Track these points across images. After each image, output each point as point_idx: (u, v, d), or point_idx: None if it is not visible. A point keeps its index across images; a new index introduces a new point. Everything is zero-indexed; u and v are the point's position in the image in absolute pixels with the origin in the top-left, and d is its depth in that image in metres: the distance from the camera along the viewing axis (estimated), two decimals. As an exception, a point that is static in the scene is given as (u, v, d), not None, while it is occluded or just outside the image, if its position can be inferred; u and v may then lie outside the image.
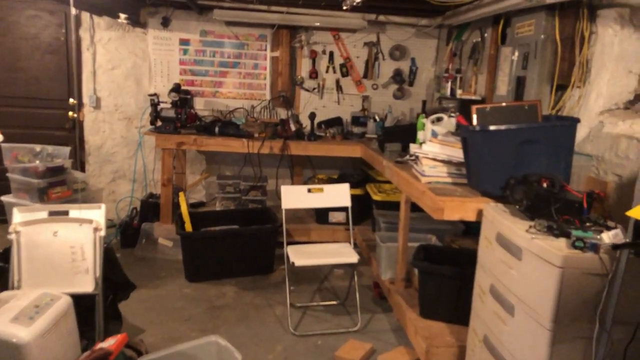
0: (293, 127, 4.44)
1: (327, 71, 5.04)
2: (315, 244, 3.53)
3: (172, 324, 3.29)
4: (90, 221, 2.56)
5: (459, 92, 4.02)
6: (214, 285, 3.90)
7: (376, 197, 4.18)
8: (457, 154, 2.71)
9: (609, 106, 2.79)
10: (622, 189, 2.56)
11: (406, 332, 3.02)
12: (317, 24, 4.63)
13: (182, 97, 4.40)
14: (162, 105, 4.35)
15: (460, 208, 2.46)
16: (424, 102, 4.85)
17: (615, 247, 1.68)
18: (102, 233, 2.62)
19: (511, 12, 3.29)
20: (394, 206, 4.05)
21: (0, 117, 4.71)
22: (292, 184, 5.17)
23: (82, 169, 4.92)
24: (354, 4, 3.03)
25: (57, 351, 2.23)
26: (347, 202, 3.52)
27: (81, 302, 2.49)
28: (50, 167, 3.84)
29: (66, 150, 4.11)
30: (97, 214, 2.63)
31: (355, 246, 3.57)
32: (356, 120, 4.98)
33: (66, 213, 2.60)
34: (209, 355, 2.39)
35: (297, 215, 4.73)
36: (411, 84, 5.14)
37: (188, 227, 4.00)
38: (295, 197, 3.49)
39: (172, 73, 4.92)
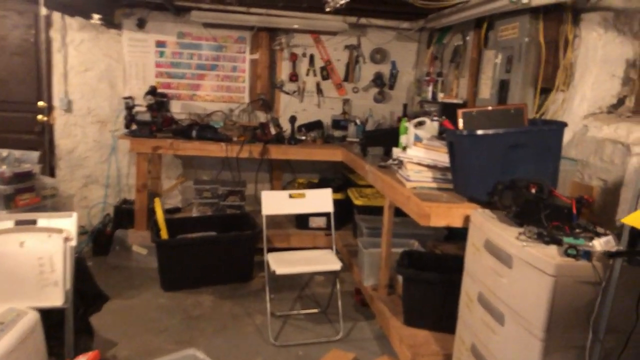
0: (273, 131, 4.35)
1: (307, 74, 4.96)
2: (296, 251, 3.44)
3: (147, 336, 3.15)
4: (60, 231, 2.42)
5: (440, 95, 3.98)
6: (190, 294, 3.77)
7: (358, 201, 4.11)
8: (443, 158, 2.65)
9: (593, 110, 2.77)
10: (607, 194, 2.53)
11: (390, 341, 2.95)
12: (298, 26, 4.55)
13: (158, 100, 4.27)
14: (137, 109, 4.21)
15: (446, 214, 2.40)
16: (405, 106, 4.81)
17: (611, 255, 1.63)
18: (73, 243, 2.48)
19: (494, 16, 3.26)
20: (376, 211, 4.00)
21: (-34, 120, 4.51)
22: (272, 188, 5.07)
23: (52, 174, 4.73)
24: (338, 5, 2.95)
25: (23, 369, 2.09)
26: (329, 208, 3.44)
27: (50, 317, 2.35)
28: (18, 172, 3.66)
29: (35, 154, 3.93)
30: (68, 223, 2.49)
31: (337, 252, 3.48)
32: (337, 124, 4.91)
33: (34, 222, 2.45)
34: (187, 370, 2.27)
35: (276, 221, 4.62)
36: (392, 87, 5.09)
37: (164, 234, 3.86)
38: (276, 202, 3.39)
39: (147, 75, 4.78)
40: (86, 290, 2.83)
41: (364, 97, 5.10)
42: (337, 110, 5.04)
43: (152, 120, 4.16)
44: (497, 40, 3.26)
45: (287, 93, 4.98)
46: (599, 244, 1.80)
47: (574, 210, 2.05)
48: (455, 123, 3.58)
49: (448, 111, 3.77)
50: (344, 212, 4.38)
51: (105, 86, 4.72)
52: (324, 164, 4.99)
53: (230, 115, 4.94)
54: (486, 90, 3.36)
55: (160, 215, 3.85)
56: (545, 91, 3.01)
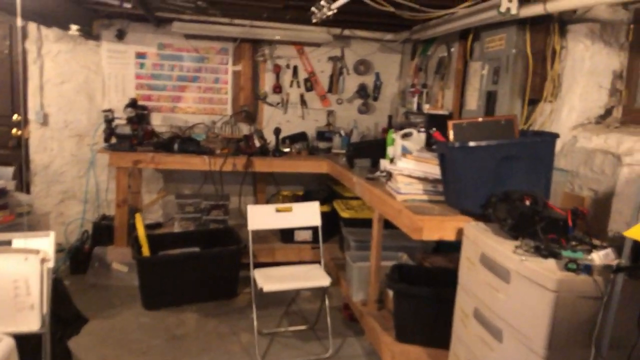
0: (257, 143, 4.27)
1: (291, 85, 4.91)
2: (283, 267, 3.35)
3: (128, 358, 3.03)
4: (37, 251, 2.29)
5: (426, 106, 3.96)
6: (173, 312, 3.65)
7: (344, 214, 4.04)
8: (433, 170, 2.61)
9: (581, 121, 2.76)
10: (598, 204, 2.51)
11: (381, 357, 2.87)
12: (281, 37, 4.50)
13: (139, 113, 4.17)
14: (117, 122, 4.09)
15: (439, 227, 2.35)
16: (390, 117, 4.78)
17: (616, 270, 1.59)
18: (51, 264, 2.35)
19: (480, 27, 3.25)
20: (363, 223, 3.94)
21: (-64, 135, 4.33)
22: (256, 201, 4.98)
23: (27, 191, 4.57)
24: (325, 17, 2.91)
25: (-3, 399, 1.96)
26: (317, 221, 3.37)
27: (26, 342, 2.22)
28: (-9, 189, 3.51)
29: (9, 170, 3.78)
30: (45, 243, 2.37)
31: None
32: (321, 135, 4.86)
33: (9, 243, 2.32)
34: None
35: (260, 235, 4.52)
36: (376, 98, 5.07)
37: (145, 250, 3.74)
38: (262, 217, 3.31)
39: (127, 88, 4.67)
40: (64, 313, 2.69)
41: (348, 108, 5.06)
42: (322, 122, 5.00)
43: (132, 133, 4.05)
44: (483, 51, 3.25)
45: (271, 105, 4.91)
46: (598, 257, 1.76)
47: (570, 222, 2.02)
48: (443, 134, 3.59)
49: (434, 122, 3.73)
50: (330, 225, 4.30)
51: (83, 99, 4.60)
52: (308, 175, 4.93)
53: (212, 127, 4.85)
54: (473, 101, 3.35)
55: (141, 232, 3.73)
56: (533, 102, 3.00)
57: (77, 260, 4.26)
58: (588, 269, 1.69)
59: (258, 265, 3.36)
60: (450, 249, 3.70)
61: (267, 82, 4.87)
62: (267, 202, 5.05)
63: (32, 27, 4.40)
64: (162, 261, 3.71)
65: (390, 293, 3.03)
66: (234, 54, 4.80)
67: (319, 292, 3.49)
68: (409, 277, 2.93)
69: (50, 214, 4.65)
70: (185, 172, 4.79)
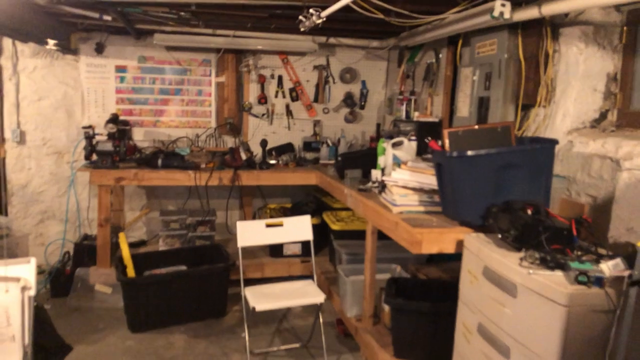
0: (244, 156, 4.16)
1: (276, 96, 4.82)
2: (274, 284, 3.23)
3: (116, 386, 2.88)
4: (17, 279, 2.16)
5: (415, 114, 3.89)
6: (161, 334, 3.50)
7: (335, 226, 3.95)
8: (429, 180, 2.53)
9: (576, 125, 2.71)
10: (597, 211, 2.46)
11: (380, 376, 2.77)
12: (266, 47, 4.41)
13: (120, 128, 4.03)
14: (97, 138, 3.95)
15: (438, 240, 2.27)
16: (379, 125, 4.71)
17: (631, 283, 1.52)
18: (32, 292, 2.22)
19: (469, 32, 3.20)
20: (354, 235, 3.85)
21: None
22: (243, 215, 4.87)
23: (5, 212, 4.39)
24: (313, 25, 2.82)
25: None
26: (308, 236, 3.26)
27: (4, 376, 2.08)
28: (-34, 211, 3.35)
29: (-15, 191, 3.63)
30: (26, 270, 2.23)
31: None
32: (308, 146, 4.77)
33: (-16, 269, 2.19)
34: None
35: (248, 249, 4.38)
36: (362, 107, 5.00)
37: (130, 271, 3.59)
38: (252, 233, 3.19)
39: (107, 102, 4.53)
40: (47, 342, 2.56)
41: (335, 117, 4.98)
42: (308, 132, 4.91)
43: (114, 149, 3.91)
44: (473, 57, 3.20)
45: (256, 116, 4.81)
46: (608, 268, 1.68)
47: (574, 232, 1.95)
48: (426, 140, 3.51)
49: (424, 130, 3.68)
50: (319, 237, 4.19)
51: (62, 115, 4.45)
52: (295, 187, 4.83)
53: (196, 141, 4.73)
54: (464, 108, 3.29)
55: (126, 252, 3.59)
56: (526, 107, 2.95)
57: (58, 283, 4.08)
58: (599, 282, 1.61)
59: (246, 281, 3.24)
60: (444, 258, 3.63)
61: (252, 93, 4.77)
62: (254, 215, 4.94)
63: (6, 42, 4.24)
64: (148, 282, 3.56)
65: (387, 308, 2.94)
66: (217, 65, 4.70)
67: (311, 308, 3.38)
68: (405, 291, 2.85)
69: (29, 235, 4.48)
70: (169, 187, 4.67)
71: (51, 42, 3.96)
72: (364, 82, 4.95)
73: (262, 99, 4.75)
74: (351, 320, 3.18)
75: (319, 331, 3.17)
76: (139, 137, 4.62)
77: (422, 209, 2.55)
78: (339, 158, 3.85)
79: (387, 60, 4.95)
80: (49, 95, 4.39)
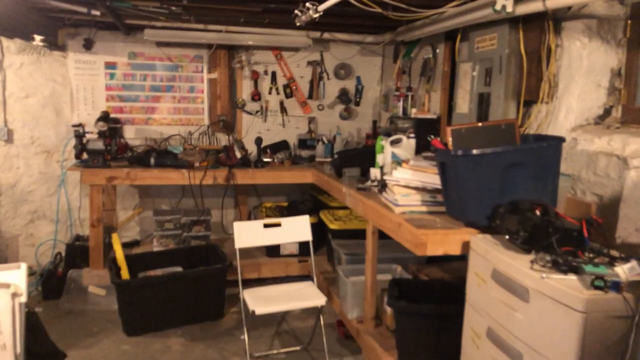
0: (238, 154, 4.07)
1: (270, 92, 4.73)
2: (273, 286, 3.17)
3: (112, 393, 2.81)
4: (7, 285, 2.08)
5: (413, 111, 3.83)
6: (157, 337, 3.43)
7: (332, 225, 3.89)
8: (431, 179, 2.47)
9: (580, 122, 2.66)
10: (604, 210, 2.41)
11: (383, 379, 2.72)
12: (259, 42, 4.32)
13: (111, 126, 3.93)
14: (88, 137, 3.85)
15: (443, 241, 2.21)
16: (375, 122, 4.65)
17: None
18: (23, 299, 2.14)
19: (468, 27, 3.14)
20: (353, 234, 3.80)
21: None
22: (239, 214, 4.79)
23: (-7, 213, 4.28)
24: (310, 19, 2.74)
25: None
26: (307, 236, 3.20)
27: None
28: (-47, 214, 3.24)
29: (-28, 193, 3.52)
30: (16, 276, 2.15)
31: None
32: (303, 143, 4.69)
33: (-27, 277, 2.10)
34: None
35: (244, 249, 4.30)
36: (357, 103, 4.93)
37: (124, 273, 3.51)
38: (249, 233, 3.12)
39: (97, 100, 4.43)
40: (39, 349, 2.47)
41: (330, 114, 4.91)
42: (303, 129, 4.83)
43: (105, 148, 3.81)
44: (473, 52, 3.14)
45: (250, 113, 4.73)
46: (623, 272, 1.63)
47: (585, 233, 1.90)
48: (427, 137, 3.46)
49: (423, 127, 3.63)
50: (316, 236, 4.13)
51: (50, 113, 4.33)
52: (290, 185, 4.76)
53: (189, 138, 4.64)
54: (464, 104, 3.23)
55: (119, 253, 3.50)
56: (528, 104, 2.90)
57: (50, 285, 3.99)
58: (617, 286, 1.56)
59: (243, 281, 3.17)
60: (444, 258, 3.57)
61: (245, 89, 4.69)
62: (249, 214, 4.86)
63: (-9, 38, 4.12)
64: (143, 284, 3.48)
65: (389, 310, 2.89)
66: (209, 61, 4.60)
67: (311, 309, 3.32)
68: (407, 293, 2.79)
69: (19, 236, 4.37)
70: (163, 186, 4.58)
71: (38, 38, 3.85)
72: (358, 78, 4.88)
73: (256, 96, 4.66)
74: (352, 322, 3.13)
75: (320, 333, 3.12)
76: (130, 135, 4.52)
77: (424, 209, 2.49)
78: (336, 156, 3.79)
79: (382, 55, 4.88)
80: (36, 93, 4.27)
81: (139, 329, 3.46)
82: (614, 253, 1.88)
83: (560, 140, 2.20)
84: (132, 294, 3.41)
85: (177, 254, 3.97)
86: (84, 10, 3.37)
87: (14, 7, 3.21)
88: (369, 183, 3.13)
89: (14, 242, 4.30)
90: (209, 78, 4.63)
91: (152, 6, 3.47)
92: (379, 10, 2.84)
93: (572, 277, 1.68)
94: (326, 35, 4.38)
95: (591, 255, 1.86)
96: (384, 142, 3.29)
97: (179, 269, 3.80)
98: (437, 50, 3.76)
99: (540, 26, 2.69)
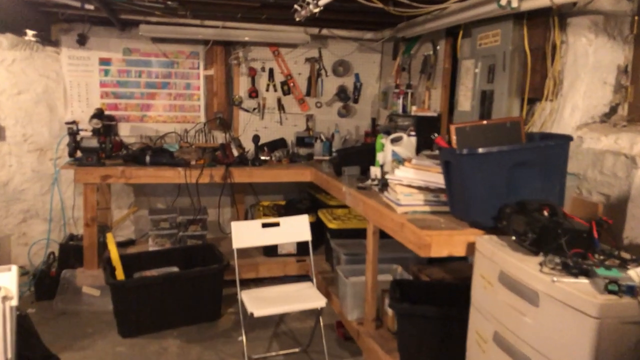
0: (235, 152, 4.00)
1: (267, 89, 4.66)
2: (272, 287, 3.11)
3: (106, 397, 2.74)
4: (-4, 289, 2.01)
5: (413, 108, 3.77)
6: (153, 339, 3.36)
7: (331, 224, 3.83)
8: (434, 179, 2.41)
9: (585, 120, 2.61)
10: (611, 210, 2.36)
11: (384, 382, 2.67)
12: (256, 39, 4.25)
13: (106, 124, 3.85)
14: (82, 134, 3.77)
15: (448, 242, 2.15)
16: (374, 120, 4.59)
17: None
18: (14, 302, 2.07)
19: (471, 23, 3.07)
20: (352, 234, 3.74)
21: None
22: (236, 212, 4.72)
23: (-15, 211, 4.20)
24: (309, 14, 2.68)
25: None
26: (307, 236, 3.14)
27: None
28: (-57, 213, 3.16)
29: (-37, 191, 3.43)
30: (7, 279, 2.08)
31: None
32: (301, 141, 4.63)
33: (-38, 279, 2.03)
34: None
35: (241, 248, 4.25)
36: (356, 100, 4.87)
37: (119, 274, 3.43)
38: (247, 233, 3.06)
39: (91, 97, 4.35)
40: (31, 354, 2.40)
41: (328, 112, 4.85)
42: (301, 127, 4.77)
43: (99, 146, 3.73)
44: (475, 48, 3.08)
45: (247, 110, 4.66)
46: (637, 275, 1.58)
47: (595, 234, 1.84)
48: (431, 136, 3.40)
49: (423, 125, 3.57)
50: (315, 235, 4.06)
51: (44, 110, 4.25)
52: (288, 184, 4.69)
53: (185, 136, 4.57)
54: (466, 101, 3.17)
55: (114, 253, 3.43)
56: (531, 101, 2.84)
57: (43, 285, 3.91)
58: (632, 291, 1.50)
59: (240, 281, 3.11)
60: (446, 259, 3.52)
61: (242, 86, 4.61)
62: (247, 213, 4.80)
63: (-18, 33, 4.03)
64: (138, 285, 3.41)
65: (390, 311, 2.83)
66: (206, 58, 4.53)
67: (310, 310, 3.25)
68: (409, 294, 2.73)
69: (11, 235, 4.28)
70: (158, 184, 4.50)
71: (30, 32, 3.77)
72: (357, 75, 4.81)
73: (253, 93, 4.59)
74: (352, 324, 3.07)
75: (319, 335, 3.06)
76: (125, 132, 4.44)
77: (427, 208, 2.43)
78: (336, 154, 3.73)
79: (381, 52, 4.81)
80: (29, 89, 4.18)
81: (134, 330, 3.39)
82: (625, 255, 1.83)
83: (567, 138, 2.15)
84: (127, 294, 3.34)
85: (173, 254, 3.90)
86: (77, 4, 3.30)
87: (5, 1, 3.13)
88: (369, 182, 3.07)
89: (6, 241, 4.22)
90: (206, 75, 4.56)
91: (147, 0, 3.39)
92: (380, 5, 2.78)
93: (583, 281, 1.62)
94: (325, 31, 4.31)
95: (601, 257, 1.81)
96: (384, 140, 3.23)
97: (175, 269, 3.74)
98: (438, 47, 3.70)
99: (545, 22, 2.64)
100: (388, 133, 3.46)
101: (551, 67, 2.66)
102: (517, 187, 2.10)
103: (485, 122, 2.35)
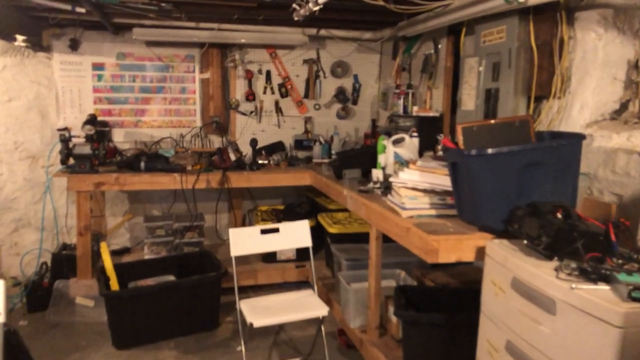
0: (233, 157, 3.90)
1: (264, 92, 4.57)
2: (271, 295, 3.00)
3: (100, 414, 2.63)
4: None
5: (415, 108, 3.68)
6: (148, 351, 3.25)
7: (332, 229, 3.73)
8: (441, 181, 2.31)
9: (595, 117, 2.52)
10: (624, 210, 2.26)
11: (390, 393, 2.56)
12: (253, 40, 4.16)
13: (99, 130, 3.74)
14: (74, 141, 3.67)
15: (456, 247, 2.05)
16: (374, 121, 4.49)
17: None
18: (1, 319, 1.97)
19: (474, 20, 2.98)
20: (353, 238, 3.64)
21: None
22: (233, 218, 4.62)
23: (-24, 221, 4.08)
24: (309, 13, 2.58)
25: None
26: (307, 242, 3.04)
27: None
28: None
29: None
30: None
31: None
32: (300, 144, 4.53)
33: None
34: None
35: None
36: (355, 102, 4.77)
37: (114, 284, 3.32)
38: (246, 240, 2.95)
39: (84, 102, 4.24)
40: (20, 371, 2.29)
41: (327, 114, 4.75)
42: (299, 130, 4.67)
43: (92, 152, 3.63)
44: (479, 46, 2.99)
45: (244, 114, 4.56)
46: (661, 280, 1.48)
47: (613, 237, 1.74)
48: (433, 136, 3.31)
49: (425, 125, 3.48)
50: (314, 240, 3.94)
51: (35, 116, 4.14)
52: (286, 188, 4.58)
53: (180, 141, 4.47)
54: (470, 101, 3.08)
55: (108, 263, 3.32)
56: (538, 99, 2.75)
57: (35, 297, 3.80)
58: (657, 297, 1.40)
59: (239, 289, 3.01)
60: (450, 262, 3.42)
61: (239, 89, 4.52)
62: (244, 218, 4.70)
63: (-28, 39, 3.93)
64: (133, 295, 3.30)
65: (394, 318, 2.73)
66: (201, 61, 4.43)
67: (316, 322, 3.14)
68: (414, 300, 2.63)
69: (2, 245, 4.17)
70: (153, 191, 4.39)
71: (20, 38, 3.66)
72: (356, 76, 4.72)
73: (250, 96, 4.49)
74: (355, 332, 2.97)
75: (321, 343, 2.95)
76: (120, 138, 4.34)
77: (434, 212, 2.33)
78: (336, 157, 3.63)
79: (380, 52, 4.72)
80: (20, 96, 4.08)
81: (129, 341, 3.28)
82: (645, 258, 1.73)
83: (580, 137, 2.05)
84: (122, 305, 3.23)
85: (169, 262, 3.79)
86: (67, 7, 3.19)
87: (-8, 4, 3.03)
88: (371, 185, 2.97)
89: (-2, 251, 4.11)
90: (201, 78, 4.46)
91: (140, 3, 3.29)
92: (381, 3, 2.68)
93: (603, 287, 1.52)
94: (323, 32, 4.22)
95: (620, 261, 1.71)
96: (385, 142, 3.14)
97: (171, 277, 3.63)
98: (439, 46, 3.61)
99: (552, 17, 2.55)
100: (389, 134, 3.37)
101: (559, 63, 2.57)
102: (528, 189, 2.00)
103: (493, 121, 2.25)
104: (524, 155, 1.96)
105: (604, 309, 1.41)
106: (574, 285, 1.52)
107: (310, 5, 2.47)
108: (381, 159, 3.15)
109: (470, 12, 2.69)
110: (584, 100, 2.51)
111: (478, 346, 2.04)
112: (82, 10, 3.26)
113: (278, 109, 4.61)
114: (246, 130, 4.56)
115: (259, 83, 4.56)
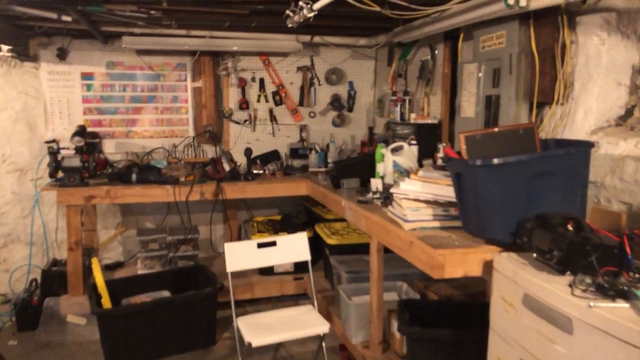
0: (227, 167, 3.81)
1: (258, 100, 4.48)
2: (269, 312, 2.90)
3: None
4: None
5: (412, 116, 3.61)
6: (143, 370, 3.14)
7: (330, 240, 3.64)
8: (444, 192, 2.23)
9: (600, 123, 2.45)
10: (633, 220, 2.19)
11: (394, 411, 2.47)
12: (245, 48, 4.08)
13: (89, 141, 3.64)
14: (63, 153, 3.56)
15: (462, 261, 1.97)
16: (371, 129, 4.42)
17: None
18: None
19: (472, 25, 2.92)
20: (352, 249, 3.56)
21: None
22: (229, 229, 4.51)
23: (-38, 237, 3.96)
24: (303, 20, 2.51)
25: None
26: (305, 256, 2.95)
27: None
28: None
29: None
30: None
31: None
32: (295, 153, 4.45)
33: None
34: None
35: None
36: (350, 109, 4.70)
37: (106, 301, 3.21)
38: (242, 255, 2.86)
39: (74, 113, 4.14)
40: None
41: (322, 121, 4.67)
42: (294, 138, 4.59)
43: (82, 165, 3.52)
44: (478, 51, 2.92)
45: (237, 122, 4.47)
46: (682, 297, 1.41)
47: (628, 250, 1.67)
48: (432, 144, 3.24)
49: (423, 133, 3.41)
50: (312, 251, 3.86)
51: (23, 128, 4.03)
52: (282, 197, 4.50)
53: (173, 151, 4.37)
54: (469, 107, 3.01)
55: (100, 280, 3.21)
56: (540, 105, 2.68)
57: (25, 315, 3.67)
58: (682, 317, 1.33)
59: (235, 302, 2.91)
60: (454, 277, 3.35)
61: (232, 97, 4.43)
62: (240, 229, 4.60)
63: (-44, 50, 3.82)
64: (126, 312, 3.19)
65: (398, 333, 2.64)
66: (193, 69, 4.35)
67: (317, 338, 3.05)
68: (417, 314, 2.55)
69: (-10, 263, 4.06)
70: (146, 203, 4.28)
71: (5, 47, 3.56)
72: (351, 83, 4.65)
73: (244, 104, 4.41)
74: (357, 347, 2.88)
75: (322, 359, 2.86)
76: (110, 149, 4.23)
77: (437, 224, 2.25)
78: (333, 165, 3.55)
79: (375, 59, 4.66)
80: (7, 107, 3.98)
81: (123, 360, 3.17)
82: (662, 272, 1.65)
83: (588, 145, 1.98)
84: (115, 323, 3.13)
85: (163, 277, 3.68)
86: (53, 16, 3.09)
87: (-24, 14, 2.94)
88: (370, 195, 2.89)
89: (-14, 268, 3.99)
90: (193, 87, 4.37)
91: (129, 10, 3.20)
92: (377, 8, 2.61)
93: (623, 305, 1.44)
94: (317, 39, 4.14)
95: (637, 275, 1.63)
96: (384, 150, 3.06)
97: (165, 293, 3.52)
98: (436, 51, 3.54)
99: (553, 22, 2.48)
100: (386, 142, 3.30)
101: (561, 68, 2.51)
102: (536, 200, 1.93)
103: (496, 129, 2.18)
104: (531, 164, 1.89)
105: (626, 329, 1.33)
106: (592, 304, 1.45)
107: (305, 11, 2.40)
108: (380, 168, 3.08)
109: (469, 18, 2.63)
110: (587, 106, 2.45)
111: (488, 364, 1.95)
112: (69, 18, 3.17)
113: (272, 117, 4.53)
114: (240, 140, 4.47)
115: (253, 91, 4.48)
